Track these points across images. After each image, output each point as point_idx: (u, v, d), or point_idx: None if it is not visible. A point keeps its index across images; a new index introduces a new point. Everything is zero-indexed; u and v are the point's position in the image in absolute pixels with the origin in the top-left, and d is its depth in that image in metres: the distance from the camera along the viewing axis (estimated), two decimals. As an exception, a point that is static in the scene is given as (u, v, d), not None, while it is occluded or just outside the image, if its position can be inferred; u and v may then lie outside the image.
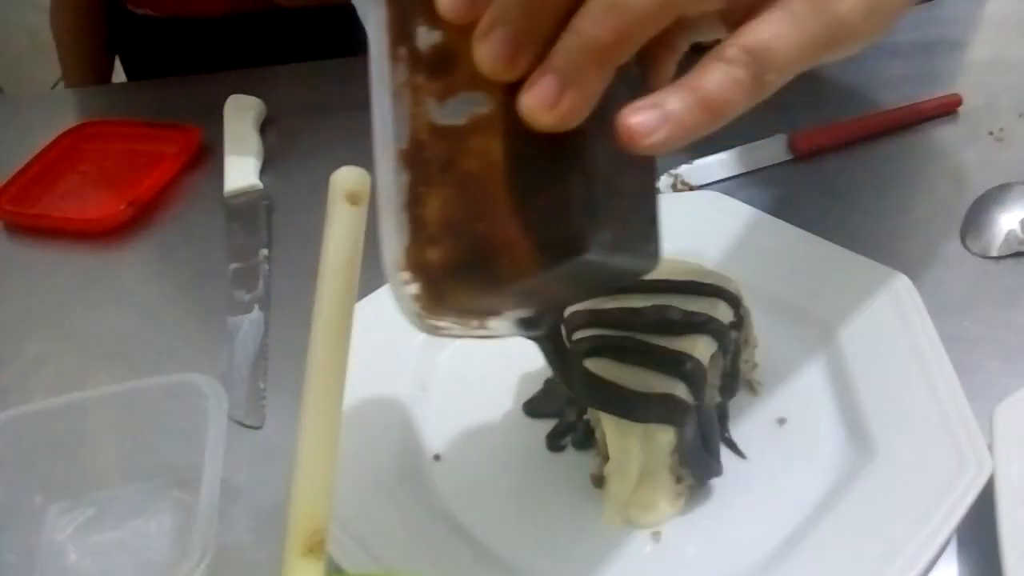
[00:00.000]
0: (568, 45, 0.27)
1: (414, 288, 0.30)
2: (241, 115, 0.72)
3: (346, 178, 0.29)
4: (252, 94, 0.75)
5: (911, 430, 0.42)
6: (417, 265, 0.30)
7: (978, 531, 0.39)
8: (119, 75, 1.01)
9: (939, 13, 0.81)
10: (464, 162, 0.29)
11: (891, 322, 0.47)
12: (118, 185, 0.68)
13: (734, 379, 0.45)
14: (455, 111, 0.29)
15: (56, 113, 0.84)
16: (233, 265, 0.60)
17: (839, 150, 0.66)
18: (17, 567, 0.45)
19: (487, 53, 0.27)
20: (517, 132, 0.28)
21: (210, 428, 0.44)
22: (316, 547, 0.30)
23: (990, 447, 0.40)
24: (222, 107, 0.74)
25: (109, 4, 0.94)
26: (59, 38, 0.97)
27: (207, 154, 0.72)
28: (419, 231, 0.30)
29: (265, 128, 0.73)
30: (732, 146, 0.65)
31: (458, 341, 0.51)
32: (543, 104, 0.27)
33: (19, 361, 0.56)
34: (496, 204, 0.29)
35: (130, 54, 0.99)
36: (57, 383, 0.54)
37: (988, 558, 0.37)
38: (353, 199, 0.30)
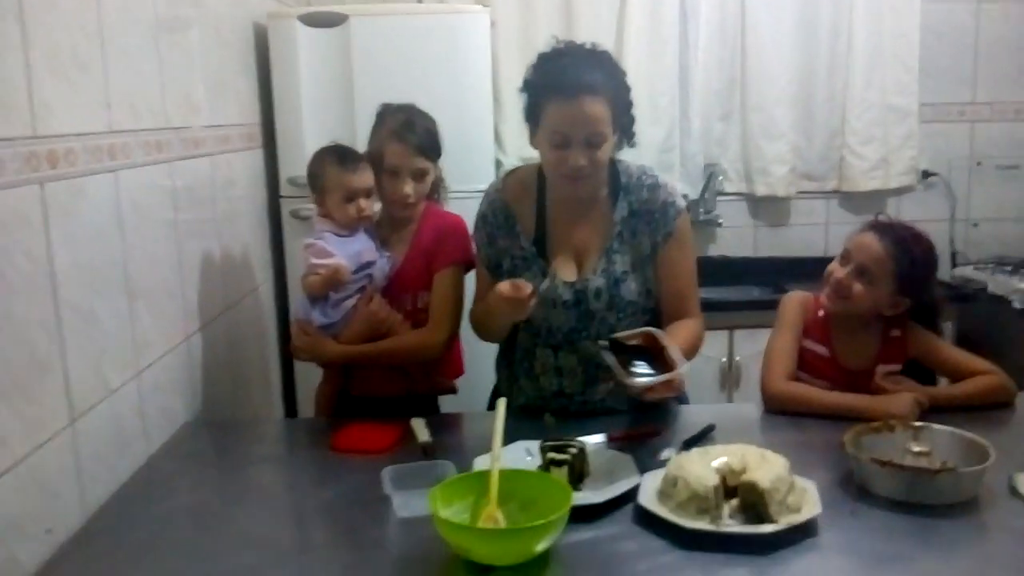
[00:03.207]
0: None
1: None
2: (417, 420, 1.92)
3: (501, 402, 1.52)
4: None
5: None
6: None
7: None
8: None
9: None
10: None
11: None
12: (375, 439, 1.87)
13: None
14: None
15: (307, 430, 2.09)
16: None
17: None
18: None
19: None
20: None
21: None
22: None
23: None
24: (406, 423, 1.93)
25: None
26: (320, 403, 2.24)
27: (406, 436, 1.90)
28: None
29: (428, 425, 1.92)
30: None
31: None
32: None
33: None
34: None
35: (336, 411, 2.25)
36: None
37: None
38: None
